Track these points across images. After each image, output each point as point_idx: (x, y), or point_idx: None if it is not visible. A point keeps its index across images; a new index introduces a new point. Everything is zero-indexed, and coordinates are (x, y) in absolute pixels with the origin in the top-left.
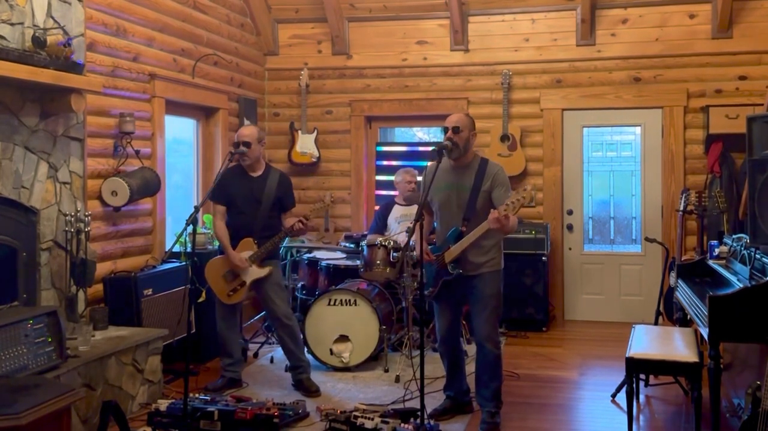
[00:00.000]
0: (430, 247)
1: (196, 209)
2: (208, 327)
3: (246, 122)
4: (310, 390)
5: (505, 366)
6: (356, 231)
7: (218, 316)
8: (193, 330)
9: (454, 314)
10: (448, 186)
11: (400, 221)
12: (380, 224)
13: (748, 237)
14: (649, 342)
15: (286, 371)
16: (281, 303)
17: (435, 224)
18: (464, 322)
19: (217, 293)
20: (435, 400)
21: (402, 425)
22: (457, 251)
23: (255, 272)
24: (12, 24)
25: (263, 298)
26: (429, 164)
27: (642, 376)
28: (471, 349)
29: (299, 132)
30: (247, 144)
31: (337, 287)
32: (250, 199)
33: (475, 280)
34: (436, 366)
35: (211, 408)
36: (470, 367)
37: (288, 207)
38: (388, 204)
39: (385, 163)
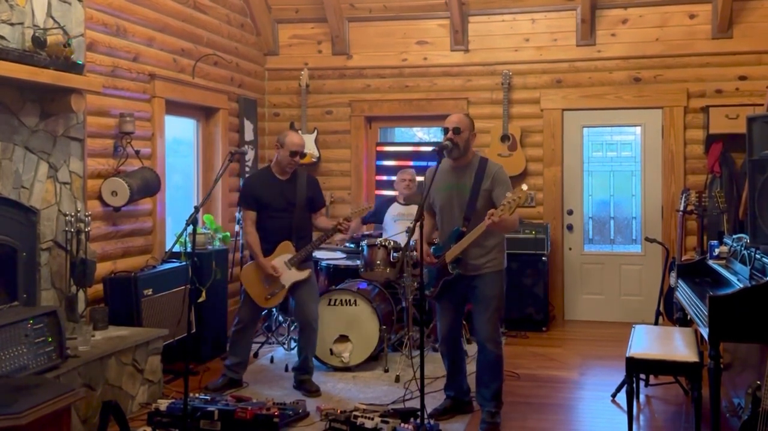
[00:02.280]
0: (432, 248)
1: (196, 209)
2: (208, 327)
3: (246, 122)
4: (310, 390)
5: (505, 366)
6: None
7: (243, 316)
8: (193, 330)
9: (456, 314)
10: (448, 187)
11: (396, 220)
12: (377, 215)
13: (748, 237)
14: (649, 342)
15: (286, 371)
16: (315, 307)
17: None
18: (464, 322)
19: (254, 297)
20: (435, 400)
21: (402, 425)
22: (456, 251)
23: (294, 275)
24: (12, 24)
25: (297, 300)
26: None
27: (642, 376)
28: (471, 349)
29: (299, 132)
30: (302, 155)
31: (337, 287)
32: (283, 202)
33: (476, 280)
34: (436, 365)
35: (211, 408)
36: (471, 367)
37: (319, 207)
38: (388, 200)
39: (385, 163)
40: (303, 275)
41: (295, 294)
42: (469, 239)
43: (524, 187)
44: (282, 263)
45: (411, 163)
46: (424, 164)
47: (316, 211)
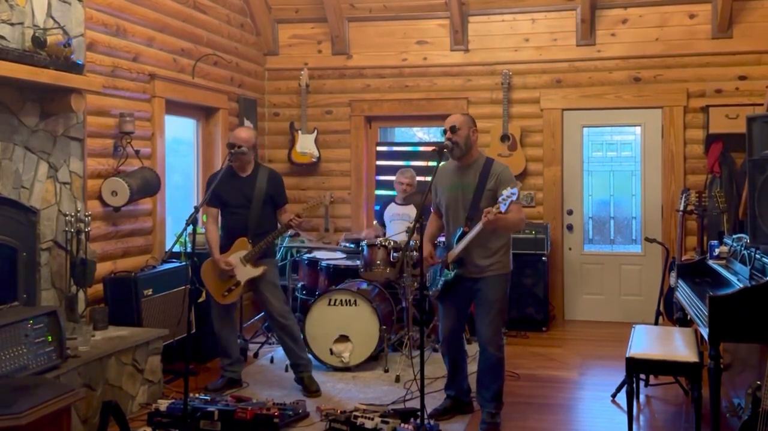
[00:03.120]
0: (438, 249)
1: (196, 209)
2: (208, 327)
3: (246, 122)
4: (310, 389)
5: (505, 367)
6: (356, 231)
7: (214, 316)
8: (193, 330)
9: (459, 315)
10: (453, 187)
11: (392, 220)
12: (379, 220)
13: (748, 237)
14: (649, 342)
15: (286, 371)
16: (277, 302)
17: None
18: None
19: (212, 293)
20: (435, 400)
21: (402, 425)
22: (457, 251)
23: (249, 272)
24: (12, 24)
25: (259, 298)
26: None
27: (642, 376)
28: (471, 349)
29: (299, 132)
30: (242, 149)
31: (337, 287)
32: (241, 199)
33: (479, 283)
34: (436, 366)
35: (211, 408)
36: (472, 367)
37: (281, 204)
38: (386, 202)
39: (385, 163)
40: (257, 271)
41: (256, 291)
42: (467, 240)
43: (518, 183)
44: (237, 260)
45: (411, 163)
46: (424, 164)
47: (279, 208)
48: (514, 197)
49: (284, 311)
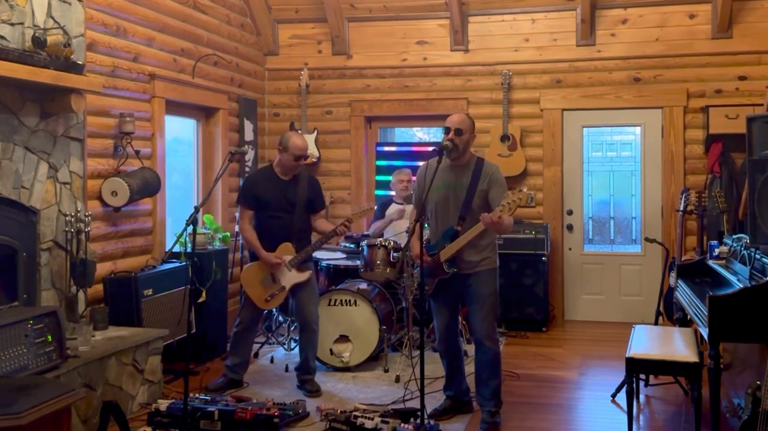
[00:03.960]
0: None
1: (196, 209)
2: (208, 327)
3: (246, 122)
4: (311, 390)
5: (505, 366)
6: (356, 231)
7: (242, 318)
8: (193, 330)
9: (452, 312)
10: (444, 185)
11: (396, 220)
12: (380, 217)
13: (748, 237)
14: (649, 342)
15: (286, 371)
16: (315, 309)
17: (426, 223)
18: (464, 322)
19: (254, 299)
20: (435, 400)
21: (402, 425)
22: (452, 250)
23: (295, 277)
24: (12, 24)
25: (298, 302)
26: (422, 163)
27: (642, 376)
28: (471, 349)
29: (299, 132)
30: (305, 158)
31: (337, 287)
32: (284, 203)
33: (470, 279)
34: (436, 366)
35: (211, 408)
36: (471, 367)
37: (318, 208)
38: (386, 203)
39: (385, 163)
40: (303, 276)
41: (296, 296)
42: (465, 240)
43: (524, 189)
44: (282, 265)
45: (411, 163)
46: (423, 164)
47: (316, 212)
48: (521, 203)
49: (318, 319)
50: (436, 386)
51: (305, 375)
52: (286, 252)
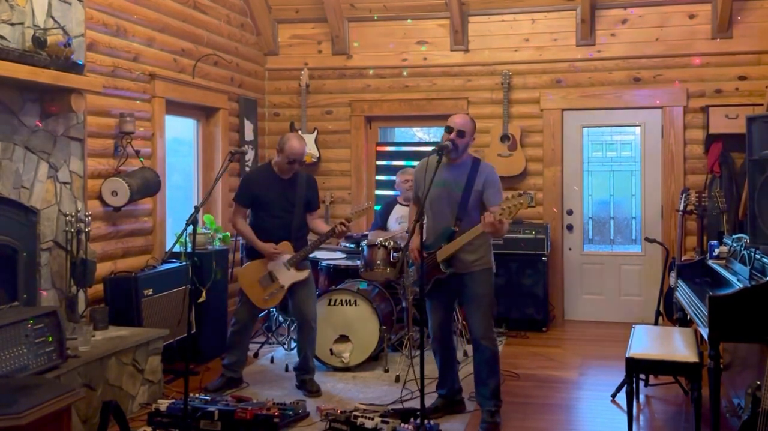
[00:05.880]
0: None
1: (196, 209)
2: (208, 327)
3: (246, 122)
4: (311, 390)
5: (505, 366)
6: (356, 231)
7: (239, 317)
8: (193, 330)
9: (446, 312)
10: (440, 183)
11: (400, 222)
12: (380, 223)
13: (748, 237)
14: (649, 342)
15: (286, 371)
16: (313, 307)
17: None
18: (464, 322)
19: (252, 298)
20: (435, 400)
21: (402, 425)
22: (449, 250)
23: (294, 276)
24: (12, 24)
25: (296, 300)
26: (421, 161)
27: (642, 376)
28: (471, 349)
29: (299, 132)
30: (301, 163)
31: (337, 287)
32: (284, 202)
33: (466, 278)
34: (436, 366)
35: (211, 408)
36: (468, 368)
37: (314, 208)
38: (389, 203)
39: (385, 163)
40: (302, 275)
41: (294, 294)
42: (465, 240)
43: (524, 192)
44: (281, 264)
45: (411, 163)
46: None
47: (312, 212)
48: (521, 207)
49: (316, 317)
50: (435, 386)
51: (305, 374)
52: (285, 250)
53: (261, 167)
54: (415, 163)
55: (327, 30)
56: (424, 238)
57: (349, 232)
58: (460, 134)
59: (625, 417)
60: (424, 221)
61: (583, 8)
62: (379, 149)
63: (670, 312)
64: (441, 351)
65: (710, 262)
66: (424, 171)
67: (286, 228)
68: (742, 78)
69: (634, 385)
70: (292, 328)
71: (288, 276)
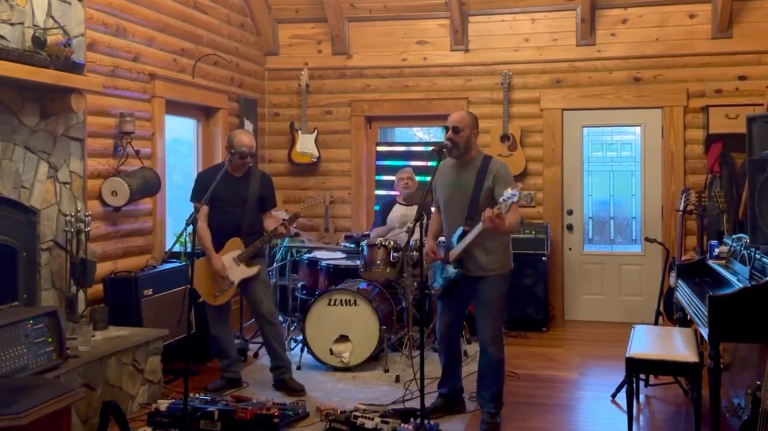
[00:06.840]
0: (439, 248)
1: (196, 209)
2: (208, 327)
3: (246, 123)
4: (294, 389)
5: (505, 367)
6: (356, 231)
7: (210, 318)
8: (193, 330)
9: (457, 314)
10: (451, 184)
11: (401, 222)
12: (381, 223)
13: (748, 237)
14: (649, 342)
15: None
16: (269, 302)
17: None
18: (465, 322)
19: (203, 295)
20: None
21: (402, 425)
22: (458, 251)
23: (243, 272)
24: (12, 24)
25: (250, 296)
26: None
27: (642, 376)
28: (471, 349)
29: (299, 132)
30: (252, 155)
31: (337, 287)
32: (235, 198)
33: (479, 283)
34: (436, 366)
35: (211, 408)
36: (471, 367)
37: (268, 207)
38: (389, 203)
39: (385, 163)
40: (252, 271)
41: (246, 290)
42: (468, 240)
43: (519, 185)
44: (231, 260)
45: (410, 163)
46: (423, 164)
47: (266, 210)
48: (515, 199)
49: (275, 311)
50: (436, 386)
51: (281, 372)
52: (234, 247)
53: (214, 165)
54: (415, 163)
55: (327, 30)
56: (443, 239)
57: (289, 233)
58: (455, 129)
59: (625, 417)
60: (424, 221)
61: (583, 8)
62: (379, 149)
63: (670, 312)
64: (446, 351)
65: (710, 262)
66: (440, 173)
67: (237, 225)
68: (742, 78)
69: (634, 385)
70: (292, 328)
71: (237, 272)
